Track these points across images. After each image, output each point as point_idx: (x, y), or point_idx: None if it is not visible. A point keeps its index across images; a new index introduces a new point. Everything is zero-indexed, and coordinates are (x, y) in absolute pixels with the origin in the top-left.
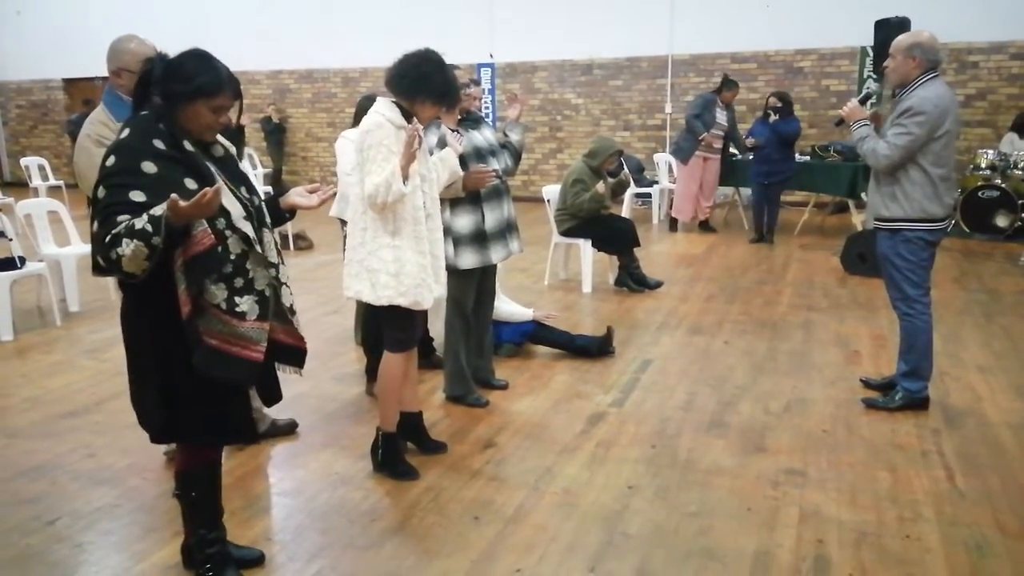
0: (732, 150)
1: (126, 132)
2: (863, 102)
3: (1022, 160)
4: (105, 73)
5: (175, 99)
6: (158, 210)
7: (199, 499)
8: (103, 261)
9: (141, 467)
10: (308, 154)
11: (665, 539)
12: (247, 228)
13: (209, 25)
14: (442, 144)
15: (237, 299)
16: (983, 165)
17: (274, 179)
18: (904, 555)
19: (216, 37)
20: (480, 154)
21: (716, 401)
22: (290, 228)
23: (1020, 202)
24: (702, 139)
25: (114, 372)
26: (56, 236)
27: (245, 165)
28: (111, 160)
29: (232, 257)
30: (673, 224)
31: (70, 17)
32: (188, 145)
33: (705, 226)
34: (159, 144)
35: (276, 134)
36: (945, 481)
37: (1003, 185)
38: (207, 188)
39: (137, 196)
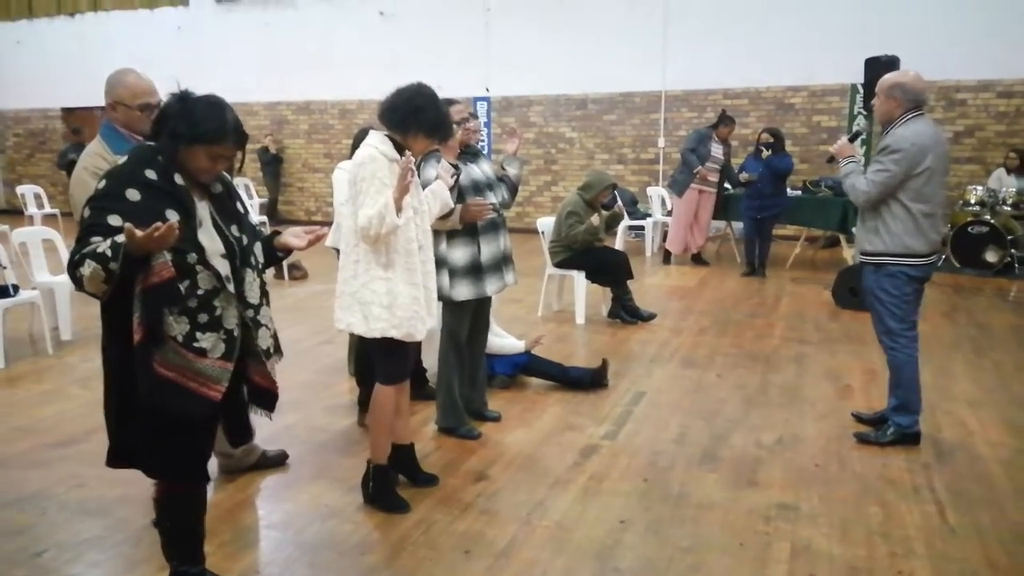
0: (727, 184)
1: (124, 159)
2: (852, 140)
3: (1011, 196)
4: (102, 104)
5: (177, 138)
6: (119, 237)
7: (174, 529)
8: (71, 279)
9: (131, 498)
10: (304, 184)
11: (657, 574)
12: (221, 266)
13: (209, 57)
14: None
15: (199, 335)
16: (972, 201)
17: (269, 209)
18: None
19: (215, 69)
20: (478, 187)
21: (708, 434)
22: (286, 268)
23: (1009, 238)
24: (697, 172)
25: None
26: (50, 264)
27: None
28: (102, 184)
29: (200, 292)
30: (667, 256)
31: (69, 47)
32: (179, 179)
33: (698, 259)
34: (151, 174)
35: (273, 164)
36: (936, 516)
37: (992, 221)
38: (161, 223)
39: (114, 220)
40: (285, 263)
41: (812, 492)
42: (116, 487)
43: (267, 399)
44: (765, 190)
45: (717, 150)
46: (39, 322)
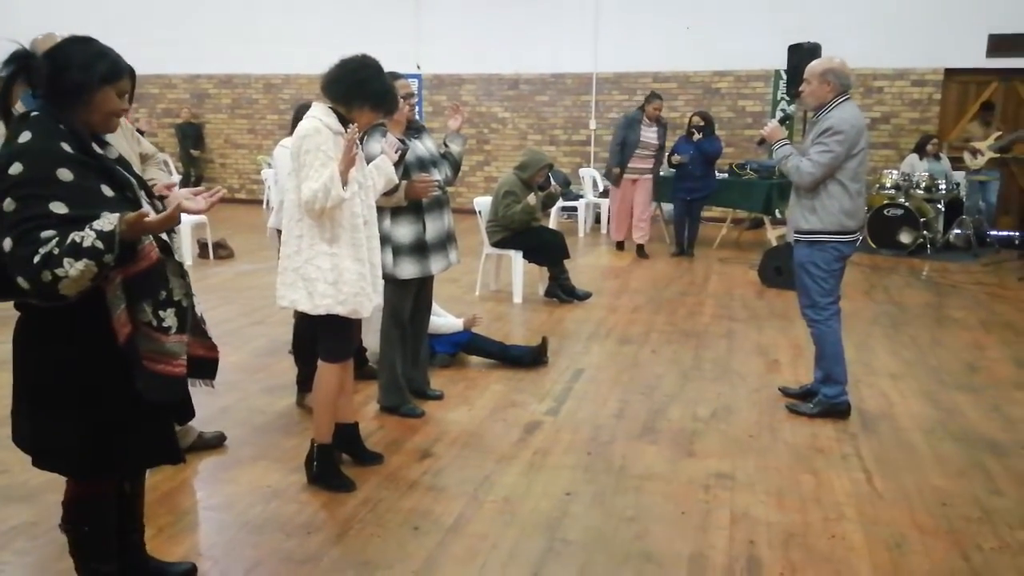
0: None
1: (26, 135)
2: (781, 122)
3: (923, 180)
4: (3, 73)
5: (75, 92)
6: (107, 224)
7: (91, 532)
8: (28, 283)
9: (59, 483)
10: (227, 160)
11: (604, 544)
12: (163, 235)
13: (120, 26)
14: None
15: (161, 313)
16: (888, 185)
17: (183, 185)
18: (830, 554)
19: (127, 38)
20: (423, 164)
21: (647, 408)
22: (210, 236)
23: (922, 220)
24: (615, 171)
25: None
26: None
27: (160, 171)
28: (16, 168)
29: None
30: (620, 245)
31: None
32: (97, 148)
33: (641, 252)
34: (67, 147)
35: (191, 138)
36: (865, 483)
37: (906, 204)
38: (171, 200)
39: (58, 208)
40: (210, 242)
41: (748, 461)
42: (41, 473)
43: (208, 368)
44: (696, 172)
45: (649, 133)
46: None
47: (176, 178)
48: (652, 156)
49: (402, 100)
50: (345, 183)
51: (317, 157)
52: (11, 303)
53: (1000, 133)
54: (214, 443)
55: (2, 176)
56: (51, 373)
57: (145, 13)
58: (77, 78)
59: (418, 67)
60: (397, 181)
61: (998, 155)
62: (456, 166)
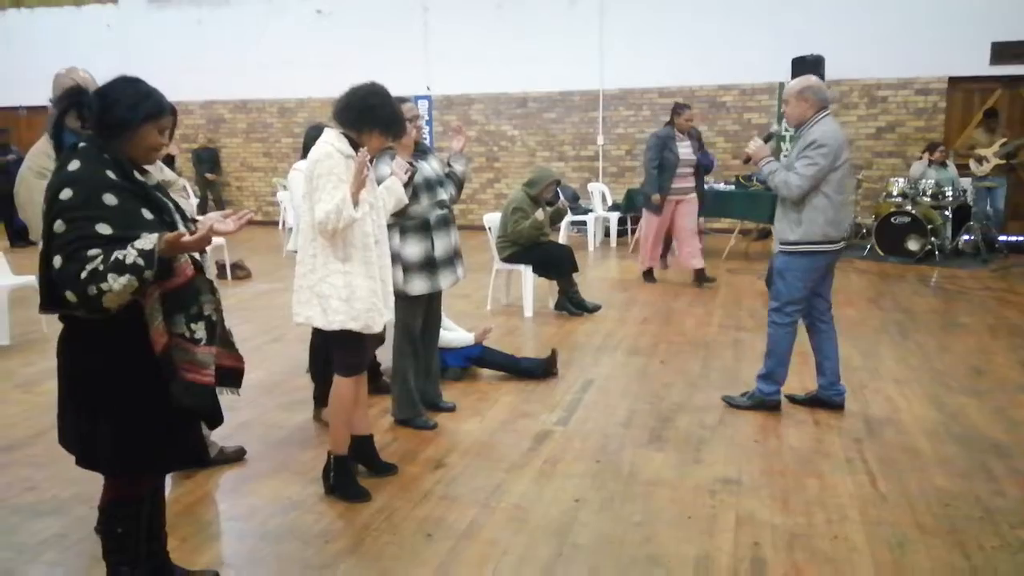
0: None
1: (76, 164)
2: (766, 140)
3: (930, 188)
4: (26, 103)
5: (120, 127)
6: (147, 243)
7: (124, 533)
8: (76, 297)
9: (86, 497)
10: (243, 183)
11: (612, 548)
12: (196, 253)
13: (140, 56)
14: None
15: (193, 325)
16: (894, 193)
17: (201, 209)
18: (833, 554)
19: (147, 68)
20: (429, 184)
21: (655, 417)
22: (227, 257)
23: (929, 227)
24: (655, 199)
25: (50, 405)
26: None
27: (180, 197)
28: (67, 193)
29: None
30: (649, 274)
31: None
32: (138, 175)
33: (702, 278)
34: (112, 175)
35: (207, 163)
36: (868, 485)
37: (913, 211)
38: (204, 222)
39: (104, 229)
40: (228, 262)
41: (753, 467)
42: (69, 487)
43: (234, 377)
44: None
45: (685, 148)
46: None
47: (194, 202)
48: (692, 172)
49: (409, 123)
50: (356, 204)
51: (329, 180)
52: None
53: (1005, 140)
54: (234, 457)
55: (54, 200)
56: (91, 380)
57: (161, 41)
58: (123, 115)
59: (428, 88)
60: (407, 201)
61: (1003, 161)
62: (460, 185)
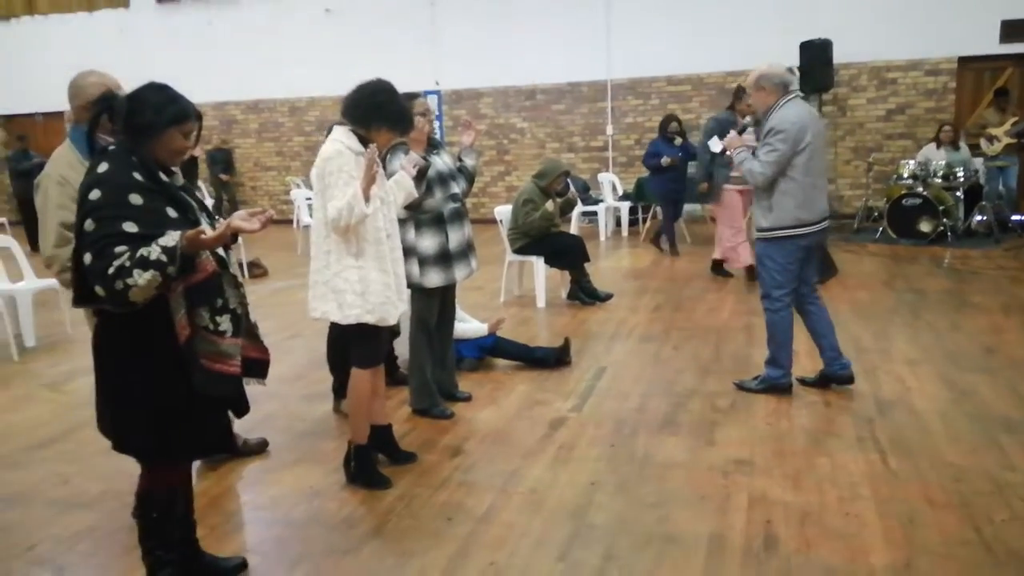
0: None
1: (105, 166)
2: (741, 132)
3: (941, 169)
4: (42, 109)
5: (147, 131)
6: (170, 240)
7: (159, 519)
8: (104, 291)
9: (117, 491)
10: (257, 183)
11: (628, 528)
12: (219, 250)
13: (152, 59)
14: None
15: (218, 319)
16: (905, 175)
17: (215, 209)
18: (844, 530)
19: (159, 70)
20: (442, 179)
21: (668, 402)
22: (244, 256)
23: (941, 208)
24: (703, 188)
25: (78, 403)
26: (9, 272)
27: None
28: (95, 193)
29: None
30: (717, 267)
31: (4, 52)
32: (163, 176)
33: (752, 273)
34: (138, 176)
35: (221, 164)
36: (879, 464)
37: (925, 193)
38: (225, 221)
39: (130, 227)
40: (245, 261)
41: (766, 448)
42: (100, 482)
43: (260, 368)
44: (682, 174)
45: (749, 135)
46: (2, 329)
47: (209, 203)
48: None
49: (421, 118)
50: (367, 200)
51: (340, 178)
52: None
53: (1016, 119)
54: (257, 449)
55: (84, 200)
56: (123, 371)
57: (172, 44)
58: (149, 119)
59: (437, 84)
60: (417, 195)
61: (1015, 140)
62: (471, 179)
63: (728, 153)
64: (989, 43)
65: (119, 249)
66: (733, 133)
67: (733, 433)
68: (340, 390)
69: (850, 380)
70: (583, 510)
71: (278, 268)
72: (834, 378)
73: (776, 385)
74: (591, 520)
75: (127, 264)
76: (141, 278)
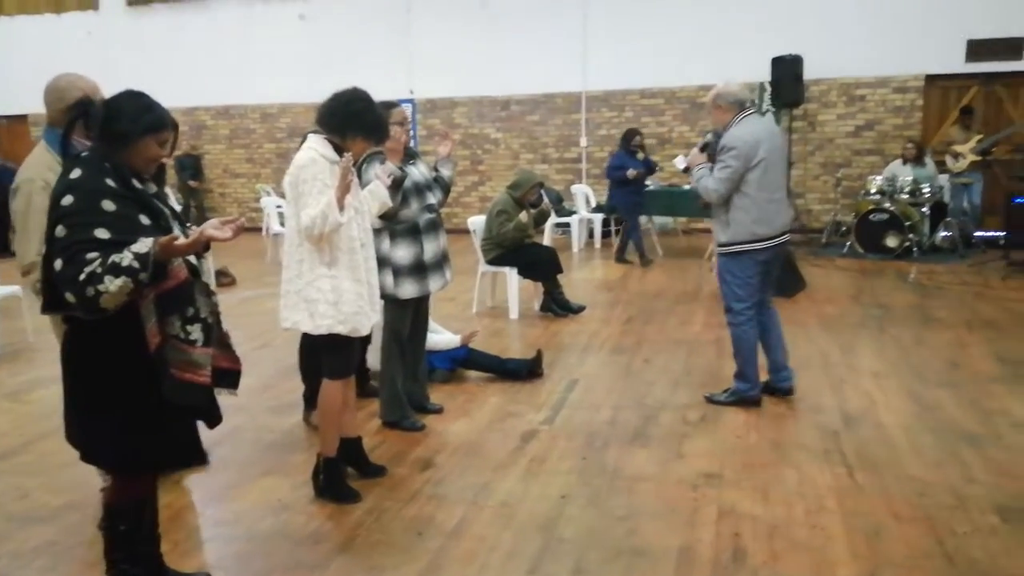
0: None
1: (77, 172)
2: (702, 149)
3: (908, 185)
4: (8, 112)
5: (122, 138)
6: (143, 247)
7: (127, 532)
8: (75, 298)
9: (78, 504)
10: (226, 190)
11: (598, 541)
12: (191, 258)
13: (121, 62)
14: None
15: (189, 327)
16: (873, 190)
17: (183, 215)
18: (811, 543)
19: (128, 74)
20: (419, 189)
21: (639, 415)
22: (212, 264)
23: (907, 224)
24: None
25: (40, 414)
26: None
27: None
28: (68, 199)
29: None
30: None
31: None
32: (136, 183)
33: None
34: (111, 183)
35: (190, 170)
36: (846, 477)
37: (892, 209)
38: (198, 228)
39: (102, 233)
40: (213, 270)
41: (735, 460)
42: (60, 495)
43: (231, 378)
44: (644, 186)
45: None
46: None
47: (177, 209)
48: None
49: (398, 127)
50: (341, 209)
51: (314, 186)
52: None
53: (981, 136)
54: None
55: (56, 206)
56: (92, 379)
57: (141, 47)
58: (125, 127)
59: (411, 92)
60: (392, 205)
61: (980, 158)
62: (447, 189)
63: (690, 172)
64: (955, 62)
65: (91, 255)
66: (695, 151)
67: (703, 446)
68: (311, 399)
69: (788, 393)
70: (553, 523)
71: (247, 277)
72: (775, 390)
73: (745, 398)
74: (561, 533)
75: (98, 270)
76: (112, 284)
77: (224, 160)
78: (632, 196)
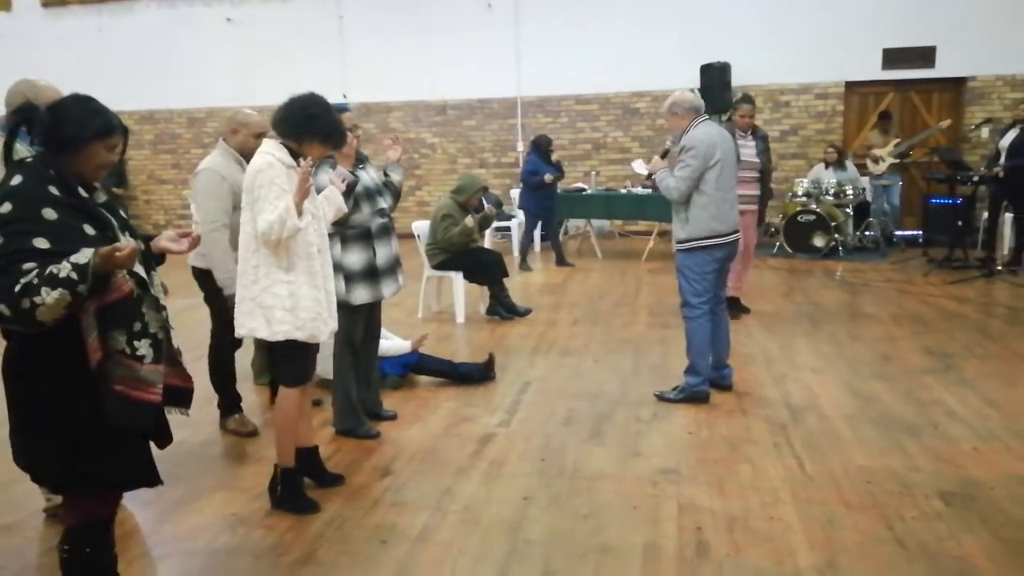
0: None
1: (18, 179)
2: (663, 156)
3: (832, 187)
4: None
5: (69, 144)
6: (82, 258)
7: (91, 555)
8: (9, 310)
9: (20, 526)
10: (151, 197)
11: (564, 541)
12: (140, 270)
13: (37, 66)
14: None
15: (136, 343)
16: (800, 192)
17: None
18: (770, 533)
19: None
20: (370, 193)
21: (593, 414)
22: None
23: (833, 224)
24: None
25: None
26: None
27: None
28: (6, 207)
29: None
30: (733, 304)
31: None
32: (82, 191)
33: (737, 306)
34: (54, 190)
35: (113, 176)
36: (796, 468)
37: (818, 210)
38: (133, 242)
39: (41, 243)
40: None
41: (690, 456)
42: (2, 517)
43: (183, 397)
44: (555, 190)
45: (747, 149)
46: None
47: None
48: (756, 179)
49: (349, 132)
50: (300, 214)
51: (271, 190)
52: None
53: (898, 140)
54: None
55: None
56: (33, 396)
57: (59, 50)
58: (72, 132)
59: (344, 96)
60: (347, 210)
61: (897, 160)
62: (397, 194)
63: (653, 176)
64: (872, 69)
65: (27, 266)
66: (656, 158)
67: (657, 443)
68: (230, 407)
69: (728, 389)
70: (518, 525)
71: (177, 286)
72: (716, 386)
73: (695, 393)
74: (527, 535)
75: (35, 281)
76: (49, 296)
77: (149, 166)
78: (542, 200)
